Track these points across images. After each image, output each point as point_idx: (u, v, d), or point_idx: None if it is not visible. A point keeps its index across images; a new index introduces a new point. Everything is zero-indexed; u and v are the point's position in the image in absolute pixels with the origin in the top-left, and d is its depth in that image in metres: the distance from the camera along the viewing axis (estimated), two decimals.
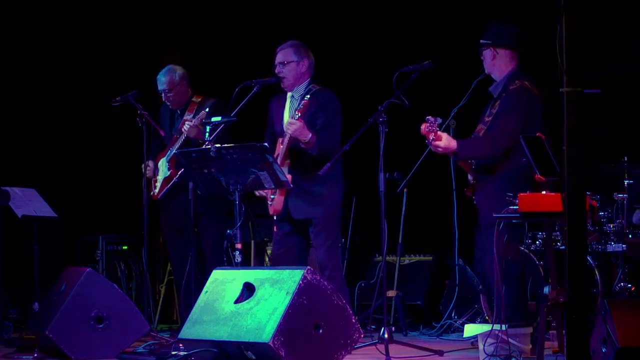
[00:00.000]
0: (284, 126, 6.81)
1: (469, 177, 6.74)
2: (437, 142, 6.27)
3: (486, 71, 6.72)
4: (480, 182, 6.56)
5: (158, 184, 7.62)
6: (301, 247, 7.02)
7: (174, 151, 7.33)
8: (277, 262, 6.92)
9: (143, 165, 7.54)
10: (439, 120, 6.31)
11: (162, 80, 7.67)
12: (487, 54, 6.65)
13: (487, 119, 6.55)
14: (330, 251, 6.90)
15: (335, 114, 6.90)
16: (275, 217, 6.94)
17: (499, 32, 6.66)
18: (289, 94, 7.02)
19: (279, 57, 6.98)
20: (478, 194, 6.55)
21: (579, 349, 4.33)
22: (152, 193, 7.63)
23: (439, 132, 6.26)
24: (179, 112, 7.71)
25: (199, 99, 7.65)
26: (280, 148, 6.83)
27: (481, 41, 6.67)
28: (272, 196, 6.86)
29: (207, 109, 7.08)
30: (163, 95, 7.69)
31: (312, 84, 6.97)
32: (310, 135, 6.70)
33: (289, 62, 6.95)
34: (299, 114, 6.70)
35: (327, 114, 6.86)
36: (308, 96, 6.77)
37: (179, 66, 7.77)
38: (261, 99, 6.96)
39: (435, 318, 8.20)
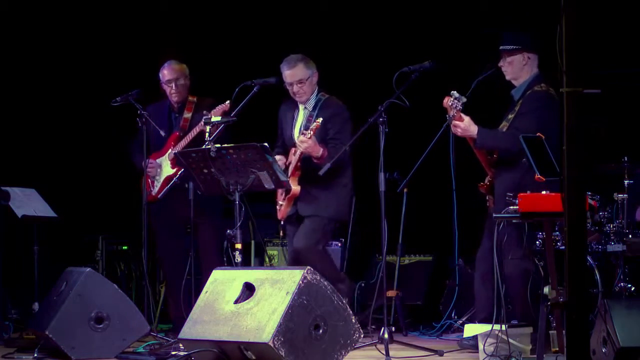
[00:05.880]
0: (296, 143, 6.87)
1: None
2: (458, 122, 6.29)
3: (510, 77, 6.66)
4: (499, 177, 6.55)
5: (158, 183, 7.60)
6: None
7: (175, 150, 7.31)
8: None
9: (144, 163, 7.47)
10: (464, 100, 6.28)
11: (175, 69, 7.63)
12: (517, 59, 6.60)
13: (509, 117, 6.57)
14: (313, 247, 6.99)
15: (344, 124, 6.99)
16: (282, 222, 7.16)
17: (524, 37, 6.62)
18: (301, 105, 7.05)
19: (291, 76, 6.98)
20: (498, 188, 6.53)
21: (579, 349, 4.33)
22: (150, 192, 7.58)
23: (462, 114, 6.26)
24: (176, 112, 7.69)
25: (195, 99, 7.67)
26: (293, 158, 6.91)
27: (511, 47, 6.60)
28: (280, 202, 7.04)
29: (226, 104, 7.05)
30: (172, 86, 7.60)
31: (321, 92, 7.07)
32: (321, 150, 6.79)
33: (305, 80, 6.96)
34: (312, 133, 6.72)
35: (337, 124, 6.95)
36: (320, 119, 6.78)
37: None
38: (261, 99, 6.96)
39: (435, 318, 8.19)
